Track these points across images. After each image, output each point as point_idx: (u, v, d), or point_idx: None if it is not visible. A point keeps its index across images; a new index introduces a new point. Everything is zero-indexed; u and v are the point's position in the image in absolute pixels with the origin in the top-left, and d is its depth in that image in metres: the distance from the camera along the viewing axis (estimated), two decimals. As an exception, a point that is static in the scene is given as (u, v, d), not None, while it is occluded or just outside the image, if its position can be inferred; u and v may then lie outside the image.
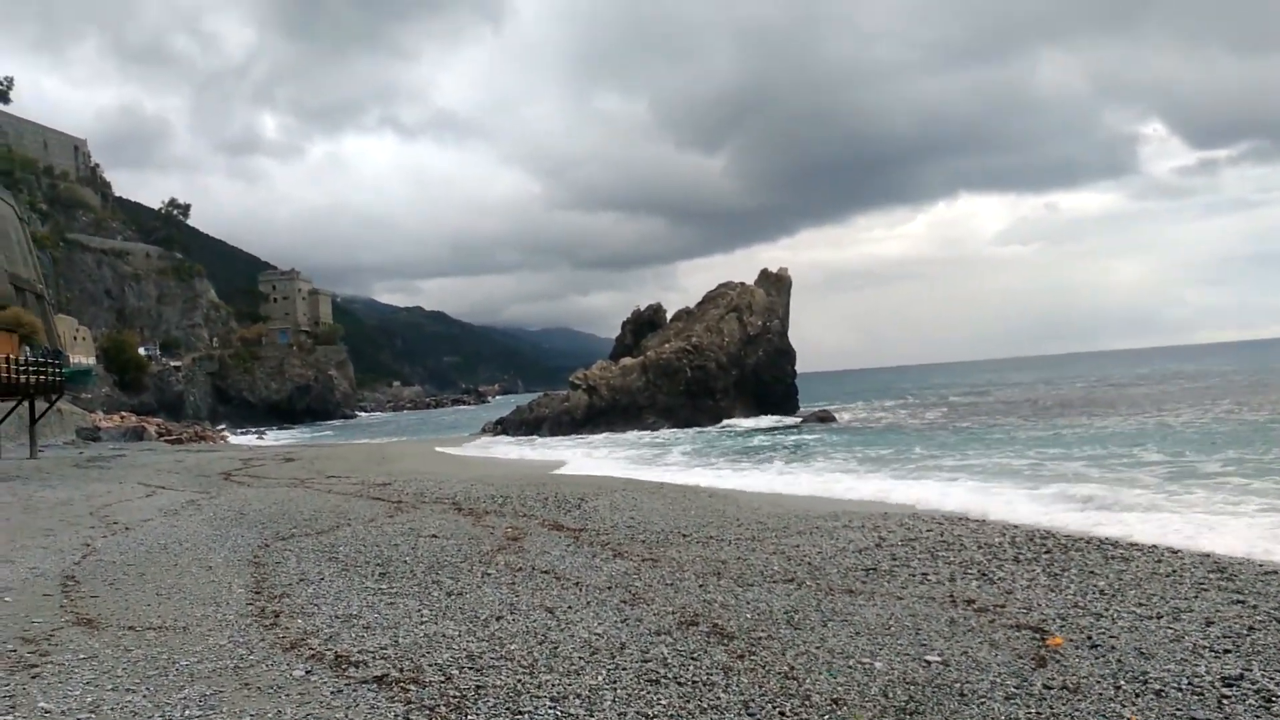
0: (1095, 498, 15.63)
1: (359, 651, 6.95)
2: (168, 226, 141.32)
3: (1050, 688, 5.61)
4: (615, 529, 13.08)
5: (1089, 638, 6.60)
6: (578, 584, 9.32)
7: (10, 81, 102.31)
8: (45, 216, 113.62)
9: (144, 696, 5.88)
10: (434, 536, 12.94)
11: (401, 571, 10.36)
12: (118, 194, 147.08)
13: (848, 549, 10.39)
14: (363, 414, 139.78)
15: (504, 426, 59.02)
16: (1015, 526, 11.65)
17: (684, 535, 12.22)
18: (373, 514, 15.73)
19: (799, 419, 52.39)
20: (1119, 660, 6.04)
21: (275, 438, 75.77)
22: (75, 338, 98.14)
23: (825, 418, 50.31)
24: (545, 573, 10.03)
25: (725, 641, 6.97)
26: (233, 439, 75.09)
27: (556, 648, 6.95)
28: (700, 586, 8.91)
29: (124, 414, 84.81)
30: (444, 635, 7.42)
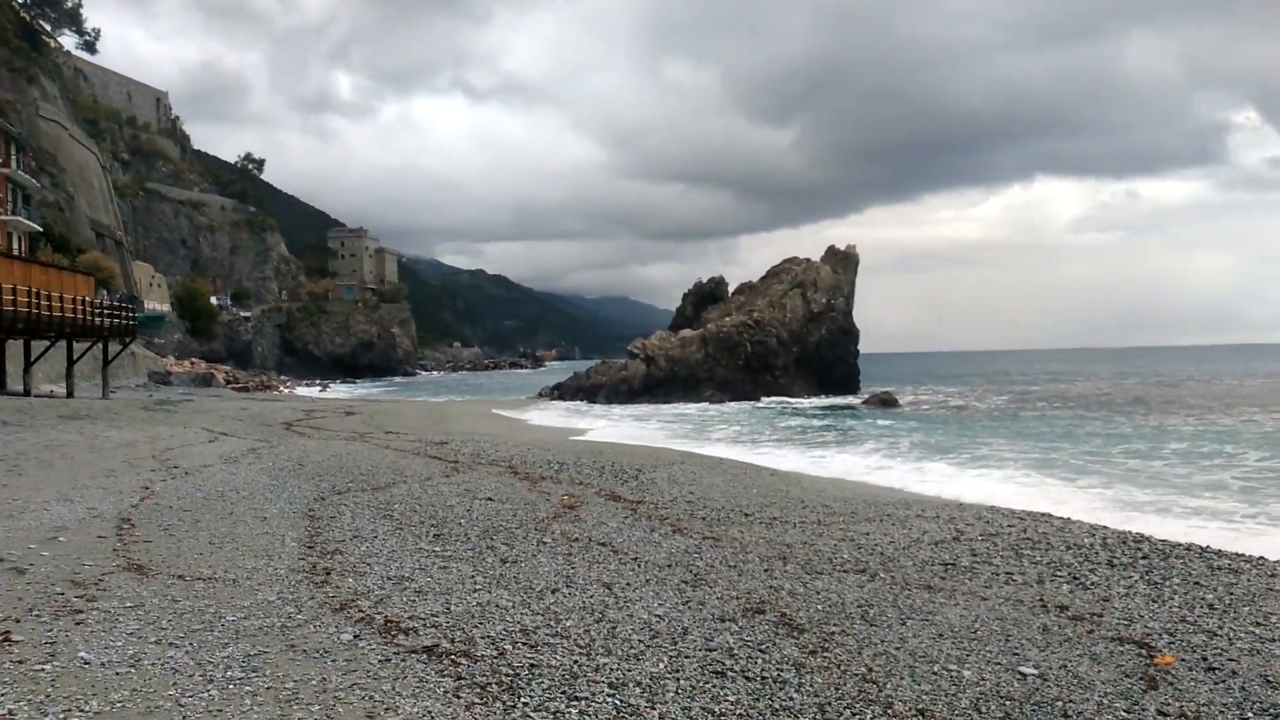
0: (1180, 502, 14.74)
1: (409, 617, 6.64)
2: (243, 180, 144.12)
3: (1166, 715, 5.02)
4: (674, 503, 12.65)
5: (1204, 659, 5.97)
6: (636, 559, 8.92)
7: (97, 33, 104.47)
8: (126, 166, 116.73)
9: (186, 652, 5.63)
10: (489, 499, 12.68)
11: (456, 534, 10.08)
12: (196, 147, 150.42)
13: (922, 540, 9.80)
14: (423, 372, 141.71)
15: (561, 392, 59.04)
16: (1104, 527, 10.90)
17: (746, 515, 11.74)
18: (429, 472, 15.56)
19: (860, 400, 51.32)
20: (1242, 688, 5.42)
21: (337, 391, 77.09)
22: (151, 284, 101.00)
23: (888, 400, 49.15)
24: (602, 545, 9.65)
25: (795, 634, 6.49)
26: (298, 390, 76.60)
27: (615, 628, 6.55)
28: (766, 571, 8.43)
29: (194, 360, 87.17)
30: (497, 605, 7.08)
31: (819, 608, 7.15)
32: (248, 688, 5.10)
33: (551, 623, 6.65)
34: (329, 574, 7.94)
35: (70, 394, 35.36)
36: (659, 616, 6.85)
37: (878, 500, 13.14)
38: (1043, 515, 11.64)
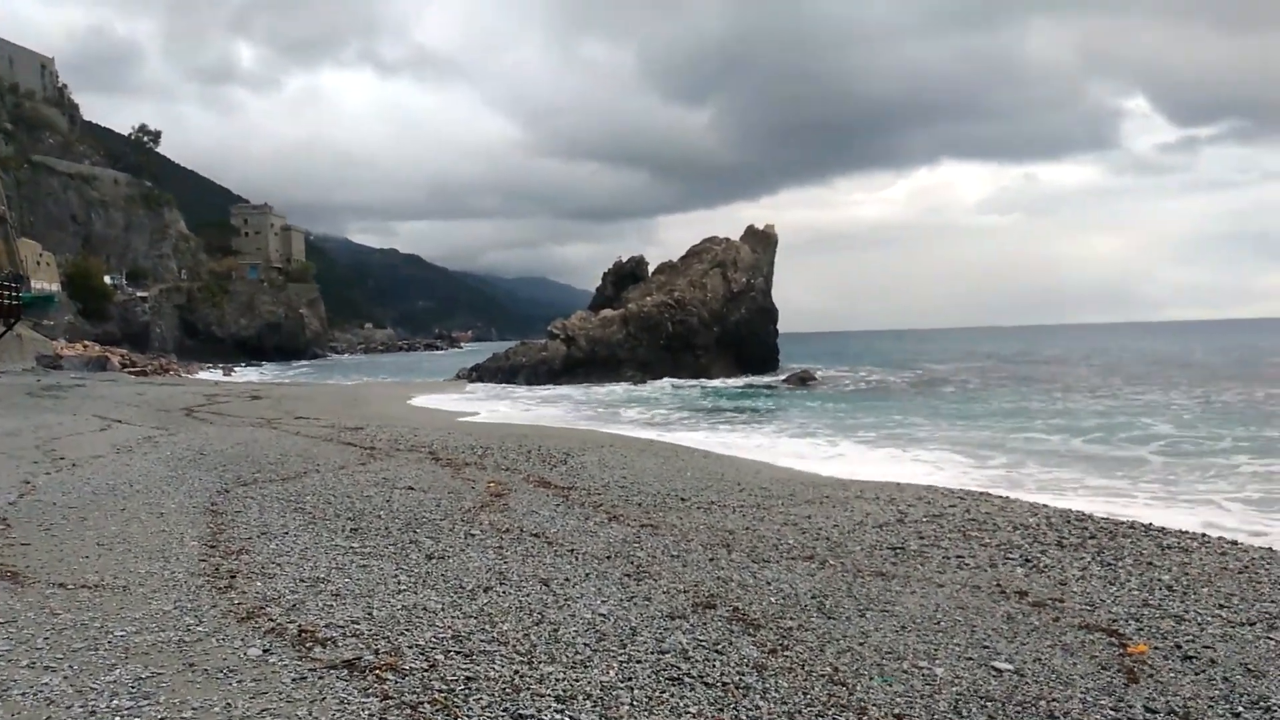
0: (1109, 477, 14.93)
1: (326, 625, 5.96)
2: (137, 153, 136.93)
3: (1154, 711, 4.74)
4: (607, 489, 12.13)
5: (1177, 646, 5.74)
6: (573, 551, 8.37)
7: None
8: (9, 137, 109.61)
9: (65, 677, 4.86)
10: (410, 488, 11.94)
11: (375, 528, 9.36)
12: (86, 118, 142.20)
13: (866, 524, 9.51)
14: (334, 354, 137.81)
15: (480, 373, 57.86)
16: (1045, 506, 10.82)
17: (682, 499, 11.29)
18: (344, 460, 14.69)
19: (781, 378, 51.65)
20: (1225, 679, 5.19)
21: (243, 375, 74.11)
22: (39, 263, 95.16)
23: (806, 379, 49.58)
24: (535, 536, 9.07)
25: (751, 631, 6.05)
26: (200, 374, 73.35)
27: (557, 630, 6.00)
28: (710, 560, 7.98)
29: (87, 343, 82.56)
30: (425, 609, 6.44)
31: (772, 600, 6.73)
32: (137, 719, 4.39)
33: (487, 626, 6.06)
34: (234, 577, 7.16)
35: (-54, 379, 32.83)
36: (603, 616, 6.33)
37: (814, 482, 12.87)
38: (981, 494, 11.52)
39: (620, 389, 46.40)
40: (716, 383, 50.47)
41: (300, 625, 5.96)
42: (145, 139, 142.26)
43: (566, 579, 7.33)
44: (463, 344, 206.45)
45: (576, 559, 8.06)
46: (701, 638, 5.88)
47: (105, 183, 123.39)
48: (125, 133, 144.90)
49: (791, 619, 6.29)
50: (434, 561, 7.91)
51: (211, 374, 73.70)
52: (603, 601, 6.69)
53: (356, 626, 5.99)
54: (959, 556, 8.04)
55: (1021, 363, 70.00)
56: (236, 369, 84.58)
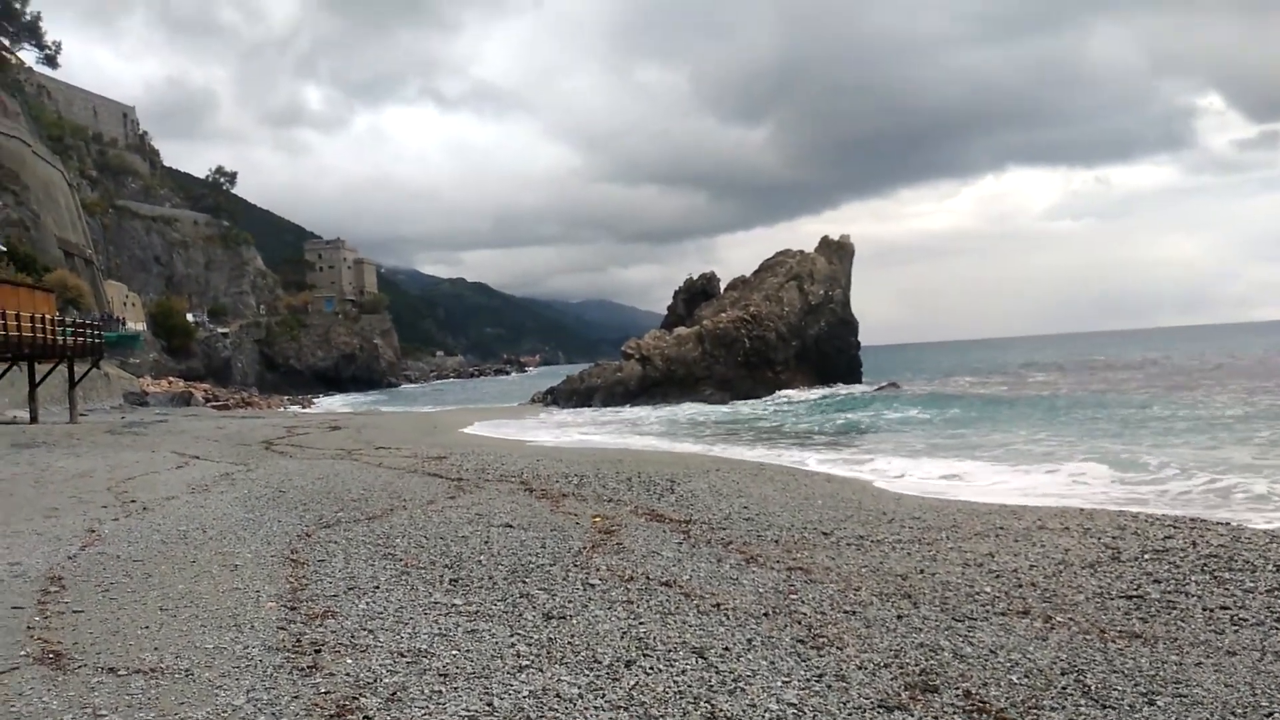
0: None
1: (438, 726, 4.56)
2: (215, 194, 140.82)
3: None
4: (730, 521, 10.60)
5: None
6: (718, 606, 6.87)
7: (58, 47, 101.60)
8: (94, 183, 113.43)
9: (98, 824, 3.54)
10: (508, 526, 10.59)
11: (477, 577, 8.00)
12: (166, 164, 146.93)
13: (1070, 563, 7.80)
14: (407, 383, 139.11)
15: (554, 396, 56.87)
16: (1287, 534, 8.92)
17: (824, 534, 9.70)
18: (431, 494, 13.45)
19: (870, 391, 49.43)
20: None
21: (321, 405, 74.63)
22: (125, 303, 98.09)
23: (893, 389, 47.32)
24: (666, 585, 7.59)
25: (1002, 727, 4.46)
26: (283, 408, 74.06)
27: (739, 730, 4.50)
28: (899, 619, 6.40)
29: (171, 379, 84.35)
30: (559, 695, 5.01)
31: (1012, 679, 5.11)
32: None
33: (645, 724, 4.59)
34: (318, 651, 5.84)
35: (34, 419, 32.93)
36: (794, 707, 4.80)
37: (972, 509, 11.12)
38: (1195, 521, 9.64)
39: (702, 409, 44.76)
40: (804, 395, 48.44)
41: (405, 726, 4.57)
42: (222, 180, 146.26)
43: (725, 648, 5.82)
44: (529, 368, 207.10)
45: (727, 618, 6.55)
46: (942, 742, 4.31)
47: (185, 224, 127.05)
48: (202, 175, 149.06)
49: (1053, 708, 4.67)
50: (554, 623, 6.48)
51: (291, 405, 74.35)
52: (784, 683, 5.17)
53: (477, 727, 4.57)
54: (1226, 609, 6.31)
55: (1120, 368, 66.28)
56: (315, 399, 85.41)
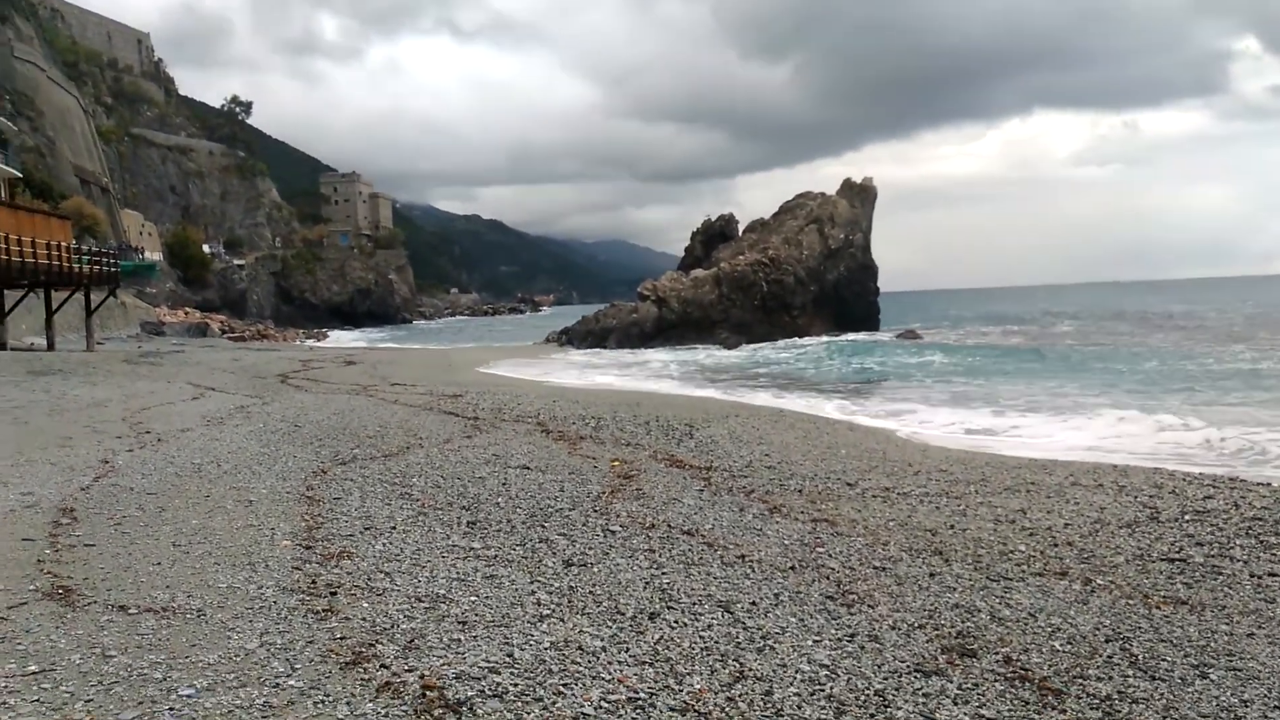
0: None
1: (457, 678, 4.39)
2: (230, 124, 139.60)
3: None
4: (752, 470, 10.40)
5: None
6: (743, 558, 6.68)
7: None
8: (110, 110, 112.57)
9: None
10: (525, 468, 10.43)
11: (496, 520, 7.84)
12: (180, 92, 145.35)
13: (1107, 522, 7.56)
14: (421, 319, 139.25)
15: (569, 337, 56.69)
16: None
17: (849, 484, 9.48)
18: (447, 433, 13.30)
19: (888, 337, 48.98)
20: None
21: (336, 339, 74.76)
22: (142, 232, 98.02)
23: (913, 337, 46.88)
24: (688, 534, 7.41)
25: (1051, 699, 4.25)
26: (296, 340, 74.22)
27: (770, 693, 4.31)
28: (931, 576, 6.19)
29: (188, 310, 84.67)
30: (581, 648, 4.83)
31: (1054, 645, 4.90)
32: None
33: (672, 683, 4.41)
34: (334, 594, 5.68)
35: (51, 346, 33.01)
36: (825, 668, 4.60)
37: (1001, 462, 10.87)
38: (1233, 480, 9.36)
39: (719, 353, 44.47)
40: (821, 342, 48.05)
41: (423, 676, 4.40)
42: (238, 110, 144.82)
43: (753, 603, 5.63)
44: (544, 308, 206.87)
45: (753, 570, 6.36)
46: (985, 712, 4.10)
47: (201, 154, 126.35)
48: (218, 105, 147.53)
49: (1099, 678, 4.46)
50: (575, 571, 6.31)
51: (307, 339, 74.51)
52: (814, 642, 4.97)
53: (497, 679, 4.40)
54: (1275, 575, 6.06)
55: (1146, 320, 65.38)
56: (330, 333, 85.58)
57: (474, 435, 13.18)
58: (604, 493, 9.10)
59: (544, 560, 6.60)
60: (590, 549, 6.93)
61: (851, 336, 50.23)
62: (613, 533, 7.46)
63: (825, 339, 49.39)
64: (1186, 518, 7.54)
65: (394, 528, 7.51)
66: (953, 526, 7.56)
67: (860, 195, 61.38)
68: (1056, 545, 6.86)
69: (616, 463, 10.91)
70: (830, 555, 6.71)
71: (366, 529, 7.47)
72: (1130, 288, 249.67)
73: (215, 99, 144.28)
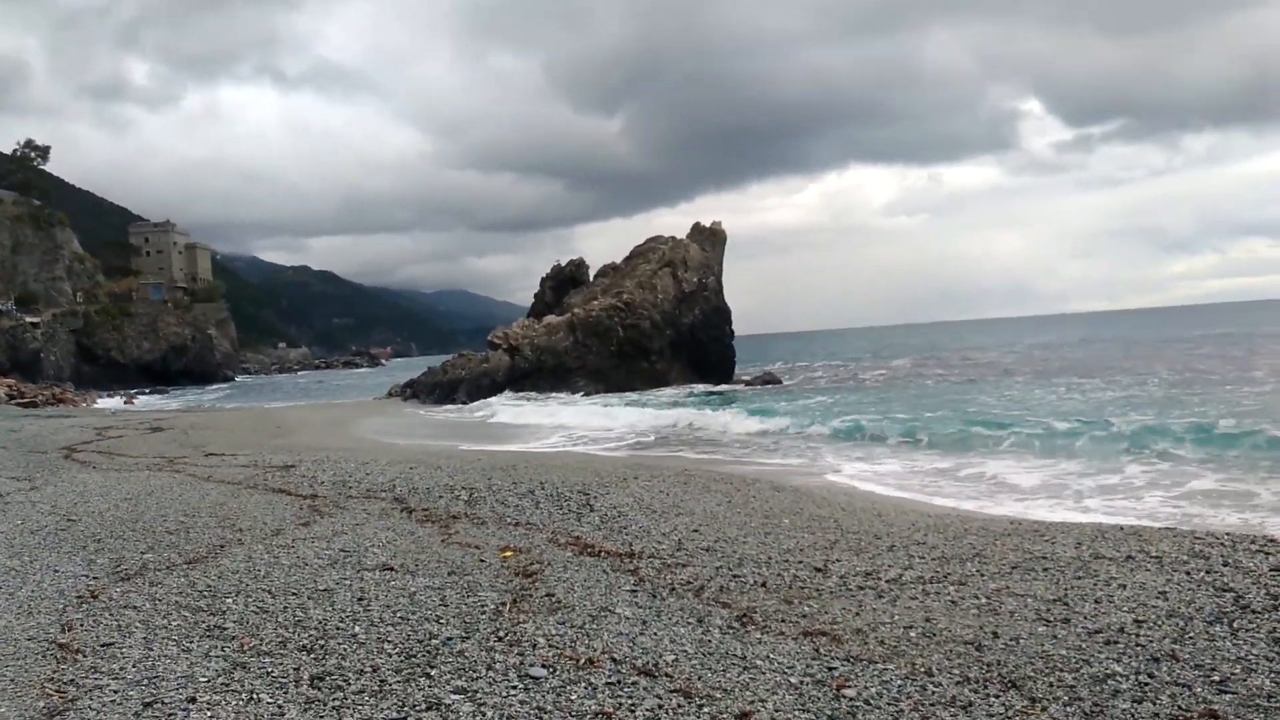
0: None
1: None
2: (23, 170, 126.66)
3: None
4: (687, 554, 8.17)
5: None
6: (744, 716, 4.44)
7: None
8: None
9: None
10: (388, 568, 7.83)
11: (354, 666, 5.29)
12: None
13: (1187, 616, 5.75)
14: (246, 376, 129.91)
15: (414, 390, 53.12)
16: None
17: (817, 569, 7.42)
18: (277, 520, 10.40)
19: (744, 381, 48.26)
20: None
21: (146, 402, 67.52)
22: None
23: (771, 380, 46.33)
24: (646, 674, 5.10)
25: None
26: (100, 403, 66.45)
27: None
28: (1038, 733, 4.13)
29: (-33, 375, 74.72)
30: None
31: None
32: None
33: None
34: None
35: None
36: None
37: (980, 525, 9.08)
38: (1268, 540, 7.86)
39: (583, 402, 42.23)
40: (685, 390, 46.61)
41: None
42: (32, 155, 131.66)
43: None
44: (383, 360, 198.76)
45: (776, 744, 4.11)
46: None
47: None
48: (9, 151, 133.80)
49: None
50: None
51: (111, 402, 66.94)
52: None
53: None
54: None
55: (975, 358, 68.28)
56: (141, 396, 77.51)
57: (313, 521, 10.35)
58: (504, 604, 6.65)
59: (443, 752, 4.12)
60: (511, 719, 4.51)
61: (716, 387, 49.12)
62: (537, 680, 5.04)
63: (689, 387, 48.15)
64: (1269, 606, 5.86)
65: (193, 699, 4.82)
66: (995, 633, 5.59)
67: (710, 239, 61.14)
68: (1157, 660, 4.98)
69: (509, 552, 8.44)
70: (869, 704, 4.56)
71: (148, 706, 4.74)
72: (944, 327, 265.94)
73: (8, 145, 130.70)
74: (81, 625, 6.28)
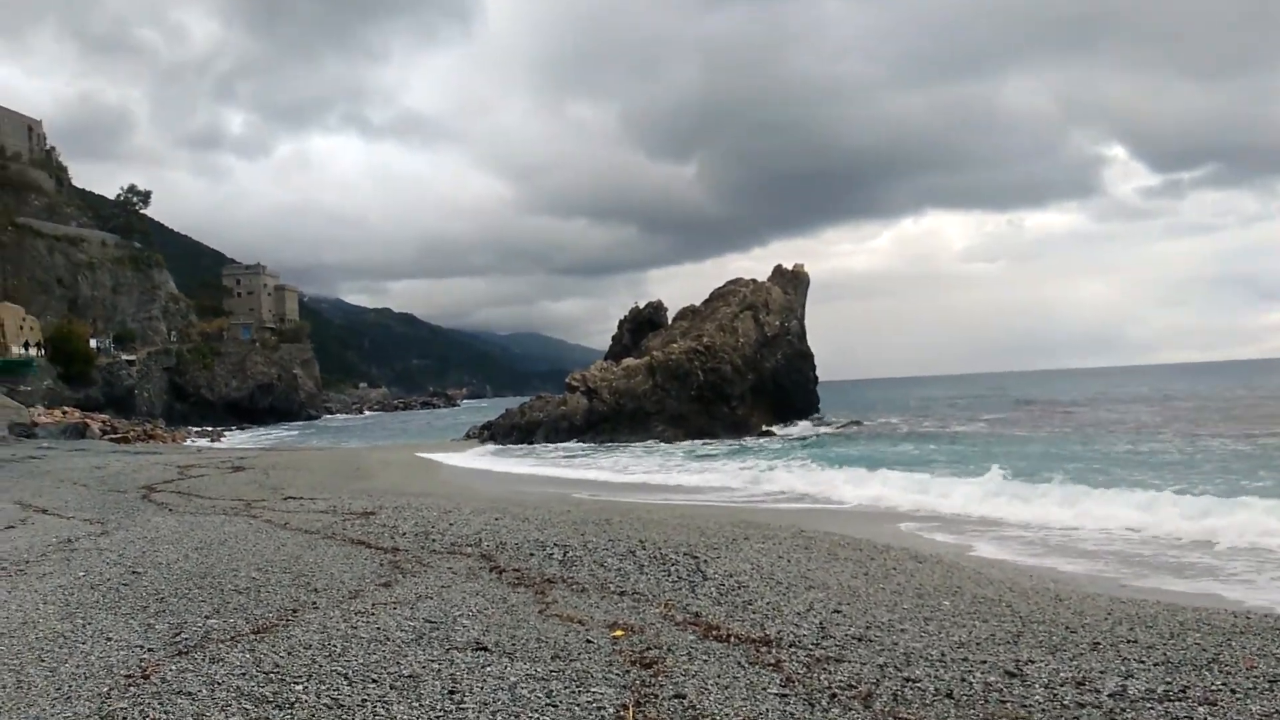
0: None
1: None
2: (126, 215, 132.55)
3: None
4: (836, 644, 6.78)
5: None
6: None
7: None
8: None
9: None
10: (481, 648, 6.63)
11: (447, 802, 4.05)
12: (76, 184, 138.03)
13: None
14: (328, 415, 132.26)
15: (492, 432, 52.54)
16: None
17: (1010, 674, 5.96)
18: (355, 578, 9.34)
19: (830, 429, 46.34)
20: None
21: (231, 439, 68.60)
22: (21, 327, 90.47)
23: (855, 425, 44.30)
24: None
25: None
26: (191, 439, 67.81)
27: None
28: None
29: (67, 409, 77.20)
30: None
31: None
32: None
33: None
34: None
35: None
36: None
37: (1199, 620, 7.49)
38: None
39: (665, 448, 40.84)
40: (776, 435, 44.90)
41: None
42: (134, 200, 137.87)
43: None
44: (459, 401, 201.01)
45: None
46: None
47: (93, 244, 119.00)
48: (113, 196, 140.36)
49: None
50: None
51: (200, 439, 68.19)
52: None
53: None
54: None
55: (1066, 408, 64.86)
56: (227, 433, 79.04)
57: (394, 581, 9.26)
58: (625, 706, 5.37)
59: None
60: None
61: (806, 430, 47.35)
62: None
63: (781, 431, 46.43)
64: None
65: None
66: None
67: (793, 282, 59.80)
68: None
69: (620, 632, 7.18)
70: None
71: None
72: (1026, 377, 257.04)
73: (113, 192, 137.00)
74: (127, 708, 5.23)
